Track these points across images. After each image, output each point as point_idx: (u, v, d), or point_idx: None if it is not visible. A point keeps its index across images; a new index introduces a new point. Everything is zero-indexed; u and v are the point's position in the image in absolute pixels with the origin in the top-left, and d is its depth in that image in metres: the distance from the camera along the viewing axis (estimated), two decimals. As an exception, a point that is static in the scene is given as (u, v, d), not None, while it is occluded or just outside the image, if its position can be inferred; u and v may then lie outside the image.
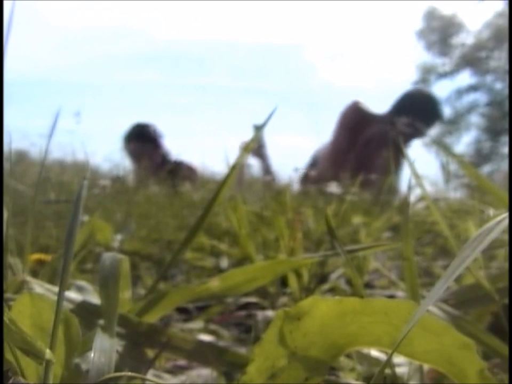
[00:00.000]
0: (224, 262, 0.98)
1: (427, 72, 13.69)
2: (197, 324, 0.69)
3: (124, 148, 3.23)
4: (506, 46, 12.11)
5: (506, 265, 0.54)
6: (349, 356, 0.46)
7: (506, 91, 12.59)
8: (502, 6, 12.26)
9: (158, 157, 3.25)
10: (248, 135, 3.41)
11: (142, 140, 3.23)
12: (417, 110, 3.06)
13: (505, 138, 12.38)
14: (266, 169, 3.40)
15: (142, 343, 0.43)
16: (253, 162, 3.26)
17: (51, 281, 0.50)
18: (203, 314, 0.72)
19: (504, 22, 12.19)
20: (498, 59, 13.06)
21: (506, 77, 12.62)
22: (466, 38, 13.55)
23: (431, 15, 13.52)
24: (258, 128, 0.55)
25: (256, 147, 3.43)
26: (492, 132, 13.01)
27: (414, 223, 1.21)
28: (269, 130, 3.47)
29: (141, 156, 3.04)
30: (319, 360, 0.30)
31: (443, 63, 13.75)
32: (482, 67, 13.32)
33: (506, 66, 12.38)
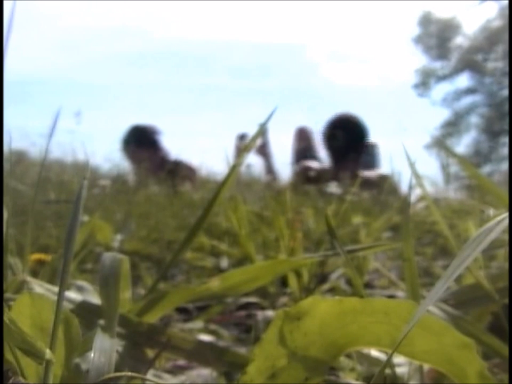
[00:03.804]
0: (224, 262, 0.98)
1: (426, 76, 13.73)
2: (197, 324, 0.69)
3: (123, 151, 3.21)
4: (502, 48, 12.14)
5: (506, 265, 0.54)
6: (349, 356, 0.46)
7: (504, 92, 12.63)
8: (497, 9, 12.35)
9: (158, 158, 3.24)
10: (249, 134, 3.42)
11: (141, 144, 3.20)
12: (347, 135, 3.13)
13: (504, 139, 12.41)
14: (269, 168, 3.41)
15: (142, 343, 0.43)
16: (255, 161, 3.27)
17: (51, 281, 0.50)
18: (203, 314, 0.72)
19: (500, 24, 12.22)
20: (495, 61, 13.09)
21: (504, 79, 12.65)
22: (463, 41, 13.59)
23: (426, 19, 13.53)
24: (260, 128, 0.55)
25: (259, 145, 3.45)
26: (490, 132, 13.03)
27: (414, 223, 1.21)
28: (272, 129, 3.51)
29: (140, 159, 3.02)
30: (319, 360, 0.30)
31: (442, 66, 13.79)
32: (480, 69, 13.34)
33: (504, 68, 12.42)
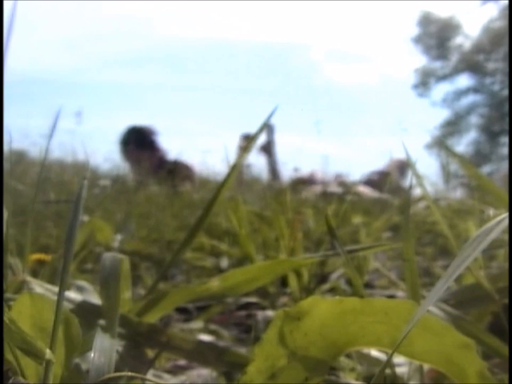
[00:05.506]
0: (224, 262, 0.99)
1: (426, 76, 13.74)
2: (197, 323, 0.69)
3: (121, 152, 3.20)
4: (503, 48, 12.16)
5: (506, 265, 0.54)
6: (349, 356, 0.46)
7: (505, 92, 12.64)
8: (498, 10, 12.37)
9: (156, 159, 3.22)
10: (250, 133, 3.45)
11: (139, 145, 3.18)
12: None
13: (504, 139, 12.43)
14: (272, 167, 3.43)
15: (142, 343, 0.43)
16: (257, 161, 3.28)
17: (51, 281, 0.50)
18: (203, 314, 0.72)
19: (500, 24, 12.24)
20: (496, 61, 13.10)
21: (505, 79, 12.66)
22: (463, 41, 13.60)
23: (426, 19, 13.52)
24: (262, 126, 0.55)
25: (264, 143, 3.48)
26: (490, 132, 13.04)
27: (414, 223, 1.21)
28: (278, 129, 3.56)
29: (139, 160, 3.01)
30: (319, 360, 0.30)
31: (441, 66, 13.80)
32: (481, 69, 13.35)
33: (505, 69, 12.43)
